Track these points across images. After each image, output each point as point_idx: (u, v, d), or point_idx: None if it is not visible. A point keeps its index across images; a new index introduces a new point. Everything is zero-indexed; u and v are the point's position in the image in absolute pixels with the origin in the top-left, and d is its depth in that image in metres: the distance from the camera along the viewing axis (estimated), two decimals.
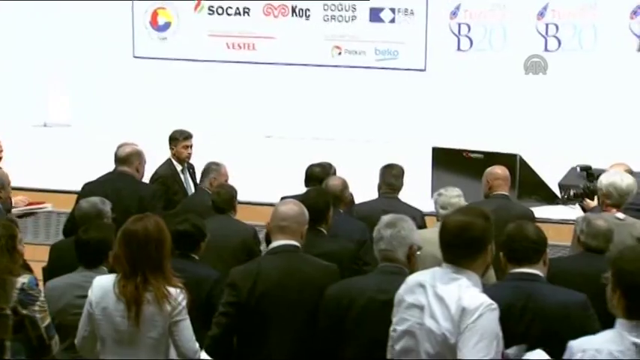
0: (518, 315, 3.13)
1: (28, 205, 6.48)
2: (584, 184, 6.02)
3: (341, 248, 4.45)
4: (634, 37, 7.97)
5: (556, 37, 8.30)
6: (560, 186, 7.90)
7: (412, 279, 3.00)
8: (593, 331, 3.23)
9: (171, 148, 6.76)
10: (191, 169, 6.80)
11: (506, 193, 5.74)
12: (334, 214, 5.00)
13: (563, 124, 8.05)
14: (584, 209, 5.98)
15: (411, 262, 3.51)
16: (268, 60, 9.22)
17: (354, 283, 3.53)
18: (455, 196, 4.92)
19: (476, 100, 8.47)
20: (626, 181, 5.21)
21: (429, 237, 4.66)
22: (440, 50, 8.73)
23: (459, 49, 8.72)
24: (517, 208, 5.73)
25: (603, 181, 5.28)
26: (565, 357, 2.71)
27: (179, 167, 6.68)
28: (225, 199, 5.13)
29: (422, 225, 5.27)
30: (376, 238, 3.47)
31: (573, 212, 6.97)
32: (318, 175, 5.86)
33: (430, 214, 5.64)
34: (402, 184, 5.76)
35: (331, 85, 9.02)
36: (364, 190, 6.19)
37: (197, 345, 3.43)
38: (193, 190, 6.53)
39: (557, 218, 7.28)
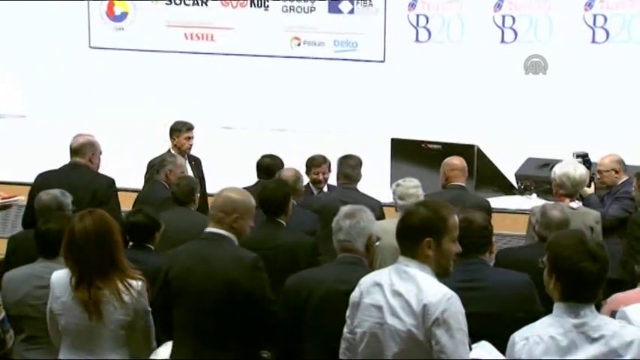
0: (465, 296, 3.18)
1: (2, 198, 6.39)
2: None
3: (298, 240, 4.45)
4: (588, 28, 8.09)
5: (513, 29, 8.38)
6: (517, 176, 8.01)
7: (368, 280, 2.97)
8: (536, 310, 3.38)
9: (172, 139, 6.76)
10: (194, 161, 6.80)
11: (463, 184, 5.80)
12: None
13: (519, 115, 8.14)
14: (581, 196, 6.05)
15: (370, 252, 3.53)
16: (227, 51, 9.17)
17: (313, 274, 3.53)
18: (412, 186, 4.96)
19: (434, 91, 8.52)
20: (579, 171, 5.32)
21: (388, 227, 4.69)
22: (398, 42, 8.76)
23: (417, 40, 8.76)
24: (473, 198, 5.78)
25: (557, 171, 5.37)
26: (508, 348, 2.75)
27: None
28: (185, 192, 5.10)
29: (380, 216, 5.30)
30: (335, 229, 3.47)
31: (529, 202, 7.07)
32: (268, 165, 5.90)
33: (389, 205, 5.68)
34: (359, 175, 5.79)
35: (290, 76, 9.00)
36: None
37: (153, 344, 3.43)
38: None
39: (514, 208, 7.38)
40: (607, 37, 7.99)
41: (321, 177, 6.13)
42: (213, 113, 8.90)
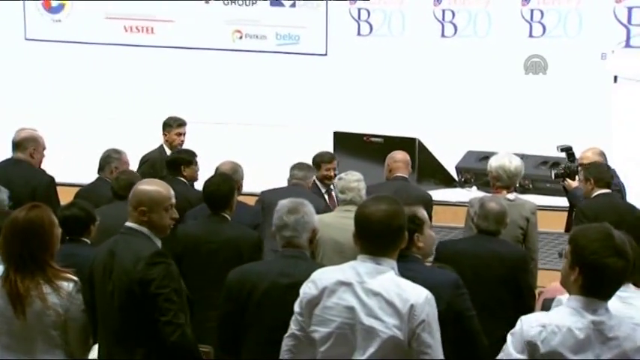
0: None
1: None
2: (565, 164, 6.09)
3: (243, 234, 4.44)
4: (526, 23, 8.21)
5: (452, 24, 8.47)
6: (457, 169, 8.13)
7: (327, 277, 2.88)
8: (464, 310, 3.41)
9: (164, 134, 6.80)
10: None
11: (406, 176, 5.86)
12: None
13: (459, 108, 8.23)
14: (565, 189, 6.12)
15: (312, 245, 3.54)
16: (167, 44, 9.05)
17: (256, 268, 3.52)
18: (354, 180, 4.98)
19: (376, 85, 8.55)
20: (514, 163, 5.41)
21: (329, 221, 4.75)
22: (340, 35, 8.77)
23: (359, 34, 8.79)
24: (415, 190, 5.86)
25: (493, 164, 5.46)
26: (516, 330, 2.68)
27: (169, 153, 6.68)
28: (122, 186, 5.04)
29: (323, 210, 5.33)
30: (279, 225, 3.45)
31: (469, 195, 7.18)
32: (173, 159, 5.89)
33: None
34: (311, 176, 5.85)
35: (231, 69, 8.93)
36: (267, 174, 6.20)
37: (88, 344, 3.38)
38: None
39: (455, 201, 7.48)
40: (543, 31, 8.12)
41: (331, 173, 6.16)
42: (154, 107, 8.77)
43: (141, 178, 5.15)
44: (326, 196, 6.12)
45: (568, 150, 6.14)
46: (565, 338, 2.60)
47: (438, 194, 7.57)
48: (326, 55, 8.82)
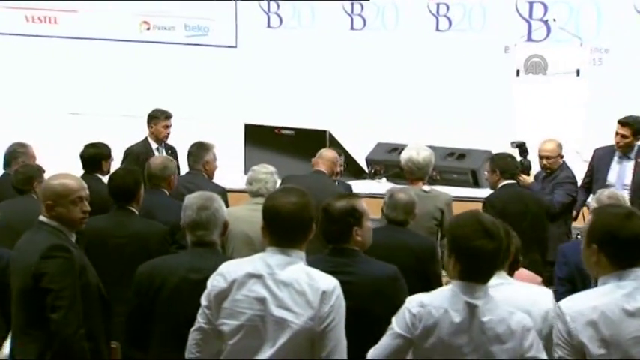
0: None
1: None
2: (520, 159, 6.12)
3: (149, 228, 4.38)
4: (432, 16, 8.36)
5: (361, 16, 8.55)
6: (367, 161, 8.21)
7: (235, 270, 2.85)
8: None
9: (150, 127, 6.68)
10: (170, 150, 6.72)
11: (324, 170, 5.90)
12: (154, 194, 4.91)
13: (370, 101, 8.32)
14: (518, 184, 6.16)
15: (222, 238, 3.52)
16: (71, 34, 8.82)
17: (166, 263, 3.47)
18: (263, 172, 4.98)
19: (286, 77, 8.56)
20: (422, 154, 5.50)
21: (239, 215, 4.73)
22: (250, 27, 8.74)
23: (268, 26, 8.77)
24: (334, 186, 5.88)
25: (403, 156, 5.54)
26: (401, 309, 2.78)
27: (154, 146, 6.63)
28: (20, 180, 4.93)
29: (225, 201, 5.32)
30: (190, 223, 3.41)
31: (380, 187, 7.27)
32: (91, 156, 5.75)
33: (242, 191, 5.68)
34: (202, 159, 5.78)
35: (139, 61, 8.78)
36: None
37: None
38: None
39: (365, 193, 7.55)
40: (449, 25, 8.28)
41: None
42: (59, 99, 8.56)
43: (40, 172, 5.02)
44: None
45: (521, 146, 6.21)
46: (441, 319, 2.71)
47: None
48: (236, 47, 8.78)
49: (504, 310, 2.74)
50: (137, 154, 6.51)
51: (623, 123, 6.07)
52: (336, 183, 6.04)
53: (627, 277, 2.64)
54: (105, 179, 5.65)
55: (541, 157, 6.12)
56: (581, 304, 2.63)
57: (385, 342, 2.80)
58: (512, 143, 6.26)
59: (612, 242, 2.64)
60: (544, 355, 2.76)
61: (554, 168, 6.08)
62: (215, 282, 2.87)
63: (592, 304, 2.62)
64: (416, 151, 5.51)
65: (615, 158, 6.16)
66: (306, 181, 5.44)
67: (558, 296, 4.32)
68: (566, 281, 4.42)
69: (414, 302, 2.77)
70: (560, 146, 6.12)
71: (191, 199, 3.47)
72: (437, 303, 2.74)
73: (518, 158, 6.13)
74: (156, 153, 6.63)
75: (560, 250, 4.68)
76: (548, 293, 3.21)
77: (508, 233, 3.13)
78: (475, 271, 2.73)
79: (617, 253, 2.65)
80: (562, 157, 6.13)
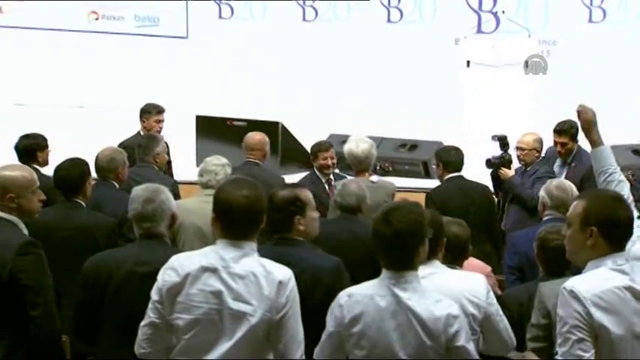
0: None
1: None
2: (501, 153, 6.11)
3: (97, 221, 4.33)
4: (383, 8, 8.39)
5: (313, 7, 8.54)
6: None
7: (188, 263, 2.82)
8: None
9: (142, 121, 6.67)
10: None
11: (257, 160, 5.88)
12: (102, 186, 4.85)
13: (322, 92, 8.32)
14: (498, 178, 6.10)
15: (171, 230, 3.52)
16: (17, 24, 8.63)
17: (113, 256, 3.44)
18: (213, 163, 4.97)
19: (238, 68, 8.51)
20: (361, 147, 5.55)
21: (189, 207, 4.70)
22: (202, 18, 8.66)
23: (220, 17, 8.71)
24: (265, 174, 5.87)
25: (344, 149, 5.60)
26: (333, 304, 2.85)
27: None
28: None
29: (175, 193, 5.29)
30: (136, 216, 3.38)
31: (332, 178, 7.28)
32: (26, 147, 5.69)
33: (194, 183, 5.65)
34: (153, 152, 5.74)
35: (88, 52, 8.64)
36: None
37: None
38: None
39: None
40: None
41: (329, 162, 5.96)
42: (4, 90, 8.39)
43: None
44: (326, 186, 5.97)
45: (503, 139, 6.19)
46: (367, 306, 2.77)
47: (302, 178, 7.64)
48: (187, 37, 8.69)
49: (430, 298, 2.79)
50: (131, 149, 6.41)
51: (559, 131, 6.07)
52: (331, 176, 6.00)
53: (621, 258, 2.69)
54: (44, 170, 5.58)
55: (517, 149, 6.15)
56: (595, 288, 2.63)
57: (322, 341, 2.87)
58: (494, 137, 6.27)
59: (611, 224, 2.69)
60: (470, 345, 2.80)
61: (527, 161, 6.09)
62: (167, 276, 2.84)
63: (604, 286, 2.63)
64: (355, 143, 5.56)
65: (557, 161, 6.23)
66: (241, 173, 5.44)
67: (508, 285, 4.41)
68: (516, 270, 4.50)
69: (343, 294, 2.85)
70: (538, 140, 6.14)
71: (138, 191, 3.44)
72: (363, 291, 2.81)
73: (499, 152, 6.16)
74: None
75: (510, 240, 4.75)
76: (481, 280, 3.25)
77: (439, 224, 3.18)
78: (385, 257, 2.80)
79: (616, 235, 2.70)
80: (539, 151, 6.15)
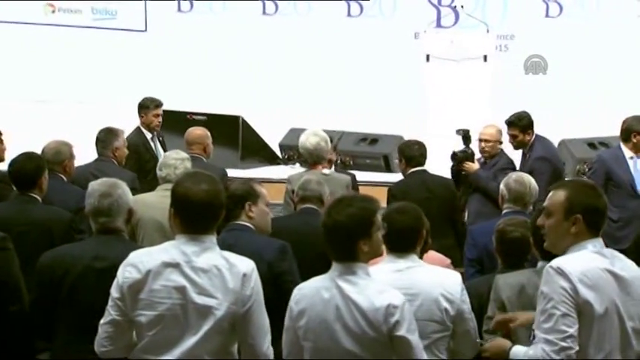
0: None
1: None
2: (464, 147, 6.13)
3: (53, 215, 4.26)
4: (344, 2, 8.40)
5: (273, 1, 8.52)
6: (281, 146, 8.21)
7: (149, 260, 2.79)
8: (284, 273, 3.55)
9: (140, 116, 6.63)
10: (161, 137, 6.72)
11: (197, 154, 5.86)
12: (51, 180, 4.77)
13: (283, 86, 8.31)
14: (460, 173, 6.08)
15: (129, 225, 3.47)
16: None
17: (70, 251, 3.39)
18: (173, 157, 4.93)
19: (198, 61, 8.46)
20: (310, 140, 5.58)
21: (149, 202, 4.66)
22: (160, 11, 8.59)
23: (179, 10, 8.64)
24: (210, 168, 5.84)
25: (299, 143, 5.63)
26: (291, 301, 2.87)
27: (149, 135, 6.59)
28: None
29: (135, 187, 5.25)
30: (92, 209, 3.34)
31: (294, 172, 7.27)
32: None
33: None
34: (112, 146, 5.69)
35: (45, 45, 8.51)
36: (87, 153, 5.96)
37: None
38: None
39: (279, 178, 7.55)
40: (361, 11, 8.34)
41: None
42: None
43: None
44: (151, 143, 6.10)
45: (466, 134, 6.19)
46: (313, 299, 2.80)
47: (262, 172, 7.62)
48: (146, 31, 8.60)
49: (374, 289, 2.79)
50: (135, 146, 6.35)
51: (508, 123, 6.12)
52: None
53: (600, 243, 2.77)
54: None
55: (480, 141, 6.19)
56: (581, 266, 2.68)
57: (283, 338, 2.89)
58: (459, 130, 6.29)
59: (594, 212, 2.77)
60: (413, 335, 2.80)
61: (491, 152, 6.13)
62: (127, 273, 2.80)
63: (589, 266, 2.69)
64: (306, 136, 5.59)
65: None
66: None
67: (468, 277, 4.45)
68: (476, 262, 4.53)
69: (295, 289, 2.88)
70: (500, 132, 6.18)
71: (94, 185, 3.39)
72: (311, 285, 2.84)
73: (462, 146, 6.20)
74: (150, 142, 6.62)
75: (470, 233, 4.78)
76: (457, 278, 3.27)
77: (418, 217, 3.19)
78: (330, 250, 2.81)
79: (597, 222, 2.78)
80: (501, 142, 6.19)
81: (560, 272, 2.66)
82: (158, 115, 6.73)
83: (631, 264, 2.81)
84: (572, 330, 2.63)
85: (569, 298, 2.64)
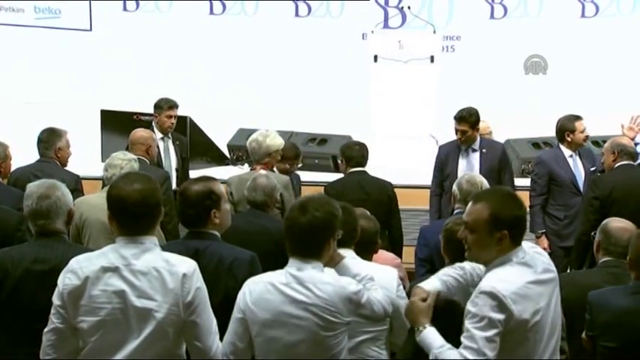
0: None
1: None
2: None
3: (2, 215, 4.18)
4: (292, 2, 8.39)
5: (221, 1, 8.47)
6: (229, 147, 8.18)
7: (87, 265, 2.76)
8: None
9: (154, 116, 6.60)
10: (178, 140, 6.63)
11: (140, 156, 5.80)
12: None
13: (231, 86, 8.27)
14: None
15: (69, 226, 3.43)
16: None
17: (10, 254, 3.33)
18: (120, 158, 4.91)
19: (144, 62, 8.36)
20: (256, 140, 5.61)
21: (95, 202, 4.60)
22: (105, 10, 8.46)
23: (125, 9, 8.53)
24: (152, 170, 5.80)
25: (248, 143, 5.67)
26: (240, 291, 2.91)
27: (159, 135, 6.48)
28: None
29: (78, 189, 5.19)
30: (30, 212, 3.28)
31: (242, 172, 7.24)
32: None
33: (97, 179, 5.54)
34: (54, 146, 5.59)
35: None
36: (29, 154, 5.85)
37: None
38: (173, 160, 6.50)
39: (226, 179, 7.51)
40: (308, 11, 8.34)
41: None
42: None
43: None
44: None
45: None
46: (266, 292, 2.84)
47: (211, 172, 7.57)
48: (90, 30, 8.47)
49: (327, 286, 2.83)
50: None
51: (458, 119, 6.19)
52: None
53: (522, 252, 2.78)
54: None
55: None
56: (512, 285, 2.68)
57: (229, 327, 2.89)
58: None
59: (518, 224, 2.77)
60: (380, 307, 2.99)
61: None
62: (67, 280, 2.77)
63: (518, 283, 2.69)
64: (252, 137, 5.67)
65: (461, 151, 6.33)
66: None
67: (418, 277, 4.49)
68: (426, 262, 4.57)
69: (247, 282, 2.92)
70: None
71: (32, 187, 3.34)
72: (265, 278, 2.87)
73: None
74: (160, 143, 6.50)
75: (421, 233, 4.83)
76: (393, 273, 3.36)
77: (351, 215, 3.24)
78: (290, 245, 2.86)
79: (521, 233, 2.78)
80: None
81: (493, 296, 2.65)
82: (171, 117, 6.67)
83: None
84: (493, 354, 2.64)
85: (497, 327, 2.64)
